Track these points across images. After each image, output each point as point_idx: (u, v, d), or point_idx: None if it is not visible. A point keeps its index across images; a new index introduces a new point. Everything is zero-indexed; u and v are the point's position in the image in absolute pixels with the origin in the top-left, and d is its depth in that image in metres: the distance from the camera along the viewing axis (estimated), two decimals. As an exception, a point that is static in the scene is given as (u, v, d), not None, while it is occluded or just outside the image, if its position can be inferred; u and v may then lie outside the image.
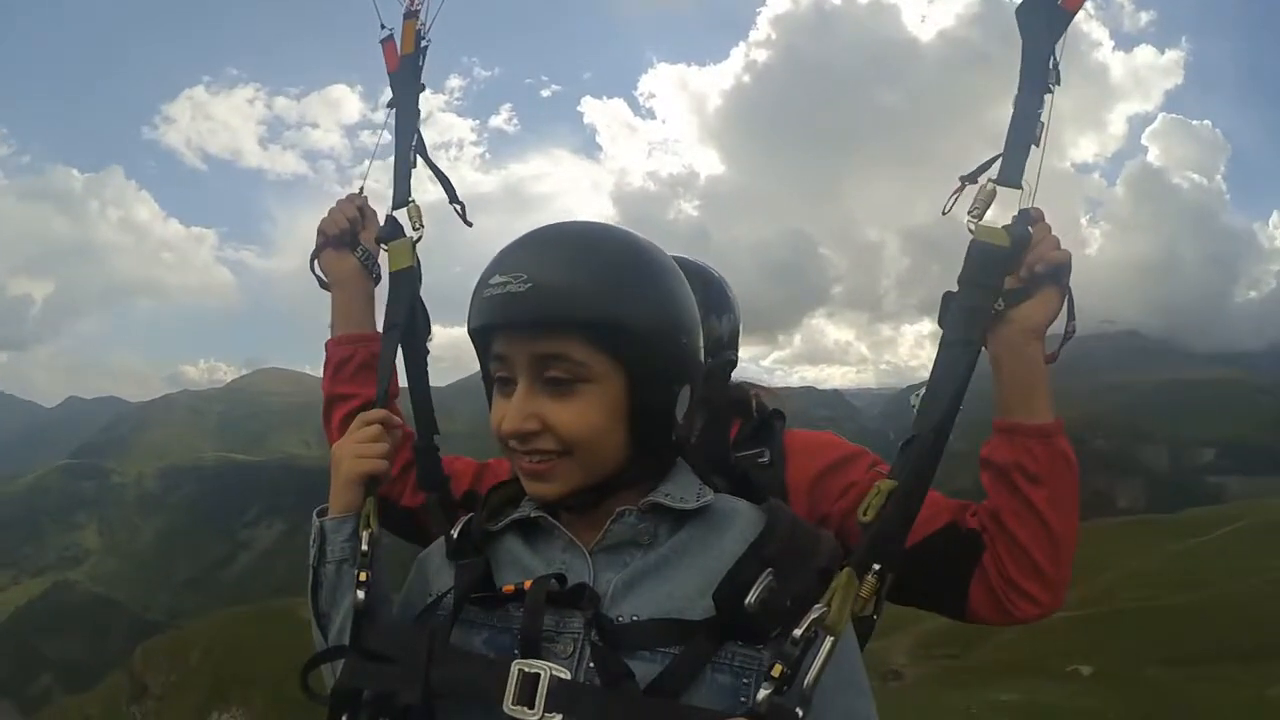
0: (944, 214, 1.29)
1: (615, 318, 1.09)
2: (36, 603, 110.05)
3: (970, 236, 1.27)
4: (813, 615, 0.99)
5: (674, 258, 1.24)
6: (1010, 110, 1.30)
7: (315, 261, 1.84)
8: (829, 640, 0.98)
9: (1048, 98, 1.29)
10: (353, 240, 1.80)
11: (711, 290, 1.75)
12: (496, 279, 1.11)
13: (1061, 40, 1.32)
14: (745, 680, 1.05)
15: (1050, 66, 1.30)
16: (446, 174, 1.73)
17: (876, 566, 1.04)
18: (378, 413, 1.44)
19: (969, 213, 1.27)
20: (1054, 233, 1.32)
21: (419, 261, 1.67)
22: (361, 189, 1.83)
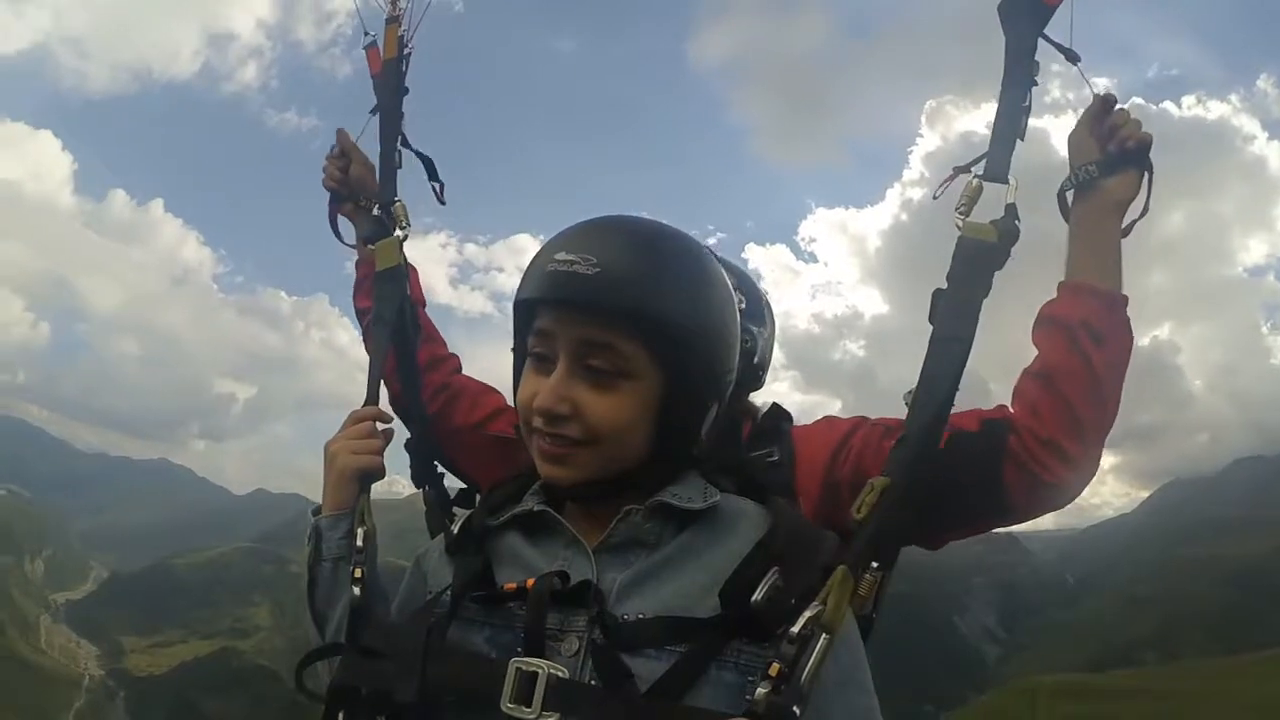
0: (934, 198, 1.31)
1: (674, 321, 1.09)
2: (203, 661, 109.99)
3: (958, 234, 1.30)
4: (809, 613, 0.98)
5: (719, 259, 1.29)
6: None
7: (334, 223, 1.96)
8: (824, 638, 0.98)
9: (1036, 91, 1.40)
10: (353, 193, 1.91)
11: (752, 302, 1.77)
12: (563, 255, 1.10)
13: (1068, 43, 1.44)
14: (751, 678, 1.02)
15: (1034, 59, 1.37)
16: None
17: (874, 564, 1.05)
18: (370, 410, 1.51)
19: (956, 210, 1.28)
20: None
21: (406, 259, 1.72)
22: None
